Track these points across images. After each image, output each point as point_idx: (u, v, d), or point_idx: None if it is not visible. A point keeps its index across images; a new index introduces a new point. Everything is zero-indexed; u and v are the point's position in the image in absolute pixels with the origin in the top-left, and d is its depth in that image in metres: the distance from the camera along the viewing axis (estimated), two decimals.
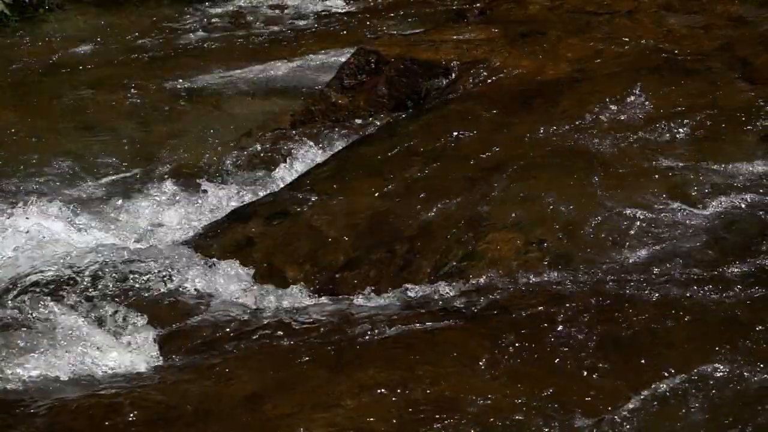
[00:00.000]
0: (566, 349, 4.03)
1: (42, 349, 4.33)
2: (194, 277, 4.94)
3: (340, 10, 9.43)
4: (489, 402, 3.77)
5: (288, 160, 6.39)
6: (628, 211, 4.83)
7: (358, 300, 4.70)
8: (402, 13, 9.15)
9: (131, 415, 3.88)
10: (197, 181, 6.31)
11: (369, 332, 4.28)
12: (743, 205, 4.82)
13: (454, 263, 4.78)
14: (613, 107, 5.68)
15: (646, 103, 5.71)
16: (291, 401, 3.86)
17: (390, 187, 5.38)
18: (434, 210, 5.09)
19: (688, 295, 4.25)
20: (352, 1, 9.63)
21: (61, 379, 4.20)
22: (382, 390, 3.88)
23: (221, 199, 6.06)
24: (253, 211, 5.65)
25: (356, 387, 3.91)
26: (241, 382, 4.04)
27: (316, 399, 3.87)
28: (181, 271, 4.99)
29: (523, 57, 6.47)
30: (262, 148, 6.70)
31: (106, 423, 3.85)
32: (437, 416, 3.72)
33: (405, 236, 5.00)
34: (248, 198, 6.05)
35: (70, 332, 4.45)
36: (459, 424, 3.69)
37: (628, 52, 6.34)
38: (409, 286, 4.68)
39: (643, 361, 3.91)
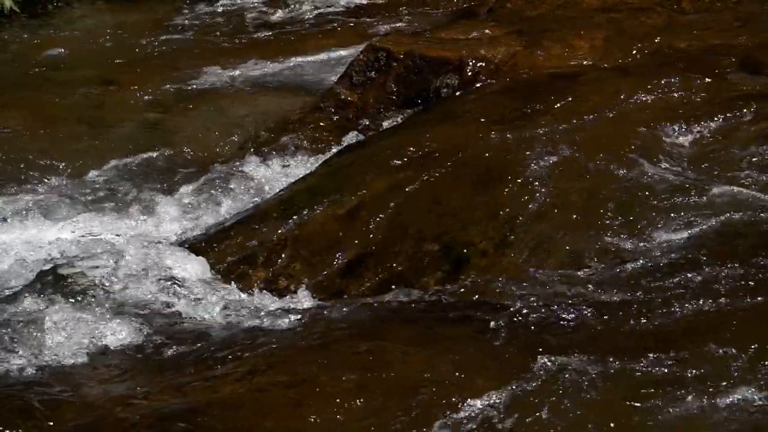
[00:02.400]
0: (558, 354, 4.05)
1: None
2: (195, 276, 4.95)
3: (349, 7, 9.42)
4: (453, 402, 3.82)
5: (296, 157, 6.39)
6: (633, 210, 4.83)
7: (361, 300, 4.70)
8: (411, 10, 9.14)
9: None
10: (204, 178, 6.31)
11: (358, 334, 4.31)
12: (748, 204, 4.82)
13: (459, 264, 4.79)
14: (622, 104, 5.68)
15: (656, 99, 5.70)
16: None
17: (398, 185, 5.37)
18: (443, 209, 5.10)
19: (687, 297, 4.27)
20: None
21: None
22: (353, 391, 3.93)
23: (228, 196, 6.06)
24: (260, 210, 5.66)
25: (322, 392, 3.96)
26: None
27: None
28: (183, 270, 5.00)
29: (533, 54, 6.47)
30: (270, 146, 6.70)
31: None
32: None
33: (412, 236, 5.01)
34: (256, 195, 6.04)
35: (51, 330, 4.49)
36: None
37: (638, 49, 6.33)
38: (413, 287, 4.69)
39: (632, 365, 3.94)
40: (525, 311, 4.29)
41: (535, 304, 4.33)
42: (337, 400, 3.88)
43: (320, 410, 3.84)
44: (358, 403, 3.85)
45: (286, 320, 4.56)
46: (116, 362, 4.38)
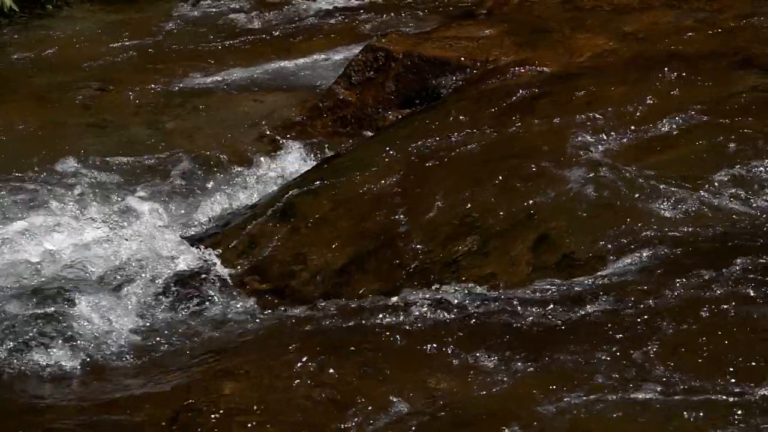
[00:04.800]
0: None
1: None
2: (192, 275, 4.96)
3: (346, 7, 9.42)
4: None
5: (295, 157, 6.39)
6: (634, 211, 4.84)
7: (356, 302, 4.71)
8: (410, 10, 9.14)
9: None
10: (203, 178, 6.32)
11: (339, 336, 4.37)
12: (747, 203, 4.83)
13: (457, 264, 4.80)
14: (620, 104, 5.68)
15: (656, 99, 5.71)
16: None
17: (396, 185, 5.38)
18: (439, 210, 5.11)
19: (693, 296, 4.30)
20: None
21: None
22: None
23: (227, 196, 6.07)
24: (257, 209, 5.66)
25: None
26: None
27: None
28: (180, 269, 5.01)
29: (531, 54, 6.47)
30: (268, 145, 6.70)
31: None
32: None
33: (408, 236, 5.01)
34: (254, 195, 6.05)
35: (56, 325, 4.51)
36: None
37: (636, 48, 6.34)
38: (409, 287, 4.71)
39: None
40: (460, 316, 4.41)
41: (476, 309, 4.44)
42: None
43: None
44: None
45: (259, 320, 4.64)
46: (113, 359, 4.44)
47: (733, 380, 3.83)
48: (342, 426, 3.80)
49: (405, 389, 3.96)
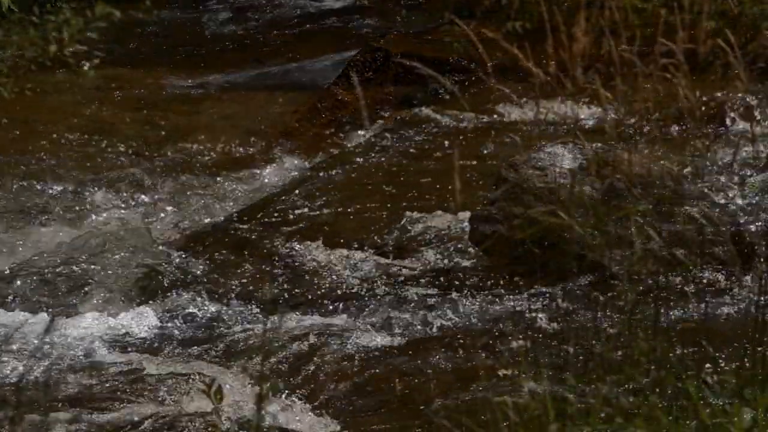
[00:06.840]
0: None
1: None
2: (181, 276, 4.97)
3: (345, 8, 9.42)
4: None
5: (291, 157, 6.40)
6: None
7: (350, 301, 4.73)
8: (409, 10, 9.14)
9: None
10: (200, 179, 6.32)
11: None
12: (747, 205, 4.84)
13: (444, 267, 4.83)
14: (618, 103, 5.67)
15: (655, 98, 5.69)
16: None
17: (393, 186, 5.39)
18: (433, 209, 5.12)
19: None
20: None
21: None
22: None
23: (223, 196, 6.07)
24: (252, 210, 5.66)
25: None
26: None
27: None
28: (169, 271, 5.02)
29: (530, 54, 6.45)
30: (265, 146, 6.71)
31: None
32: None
33: (404, 237, 5.02)
34: (250, 195, 6.05)
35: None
36: None
37: (638, 46, 6.32)
38: (407, 287, 4.73)
39: None
40: None
41: None
42: None
43: None
44: None
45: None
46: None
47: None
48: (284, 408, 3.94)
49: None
